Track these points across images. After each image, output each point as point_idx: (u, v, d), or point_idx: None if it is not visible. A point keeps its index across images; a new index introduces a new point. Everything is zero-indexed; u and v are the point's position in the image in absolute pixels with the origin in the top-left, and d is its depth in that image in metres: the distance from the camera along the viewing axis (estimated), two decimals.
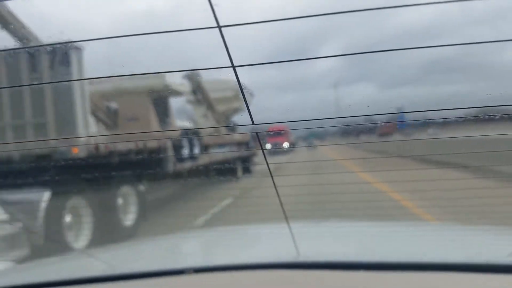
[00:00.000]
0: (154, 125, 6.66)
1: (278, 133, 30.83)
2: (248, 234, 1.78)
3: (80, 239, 4.17)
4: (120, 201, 4.97)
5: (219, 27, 0.64)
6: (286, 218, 1.17)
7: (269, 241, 1.58)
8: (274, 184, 1.07)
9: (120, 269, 1.13)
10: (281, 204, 1.08)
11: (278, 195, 1.08)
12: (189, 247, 1.63)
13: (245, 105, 0.81)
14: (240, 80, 0.74)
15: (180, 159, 6.91)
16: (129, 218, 5.10)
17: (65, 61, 4.25)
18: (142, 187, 5.55)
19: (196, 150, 7.87)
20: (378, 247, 1.32)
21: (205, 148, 8.46)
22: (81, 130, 4.40)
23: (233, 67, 0.71)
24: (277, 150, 29.69)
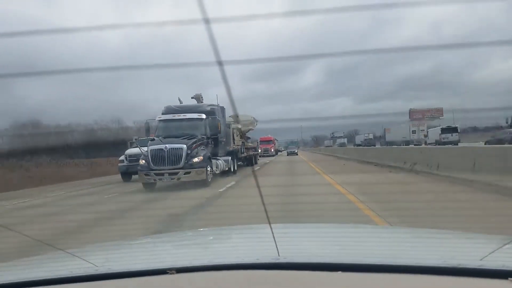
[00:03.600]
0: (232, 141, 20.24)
1: (267, 141, 45.47)
2: (230, 235, 1.85)
3: (232, 168, 17.36)
4: (230, 161, 18.51)
5: (206, 21, 0.74)
6: (268, 219, 1.19)
7: (250, 242, 1.63)
8: (257, 185, 1.13)
9: (102, 269, 1.10)
10: (264, 205, 1.09)
11: (261, 196, 1.08)
12: (171, 247, 1.66)
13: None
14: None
15: (241, 151, 20.80)
16: (236, 167, 18.55)
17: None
18: (236, 160, 19.07)
19: (243, 150, 21.51)
20: (356, 249, 1.37)
21: (243, 149, 22.19)
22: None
23: (219, 63, 0.79)
24: (266, 153, 46.20)
